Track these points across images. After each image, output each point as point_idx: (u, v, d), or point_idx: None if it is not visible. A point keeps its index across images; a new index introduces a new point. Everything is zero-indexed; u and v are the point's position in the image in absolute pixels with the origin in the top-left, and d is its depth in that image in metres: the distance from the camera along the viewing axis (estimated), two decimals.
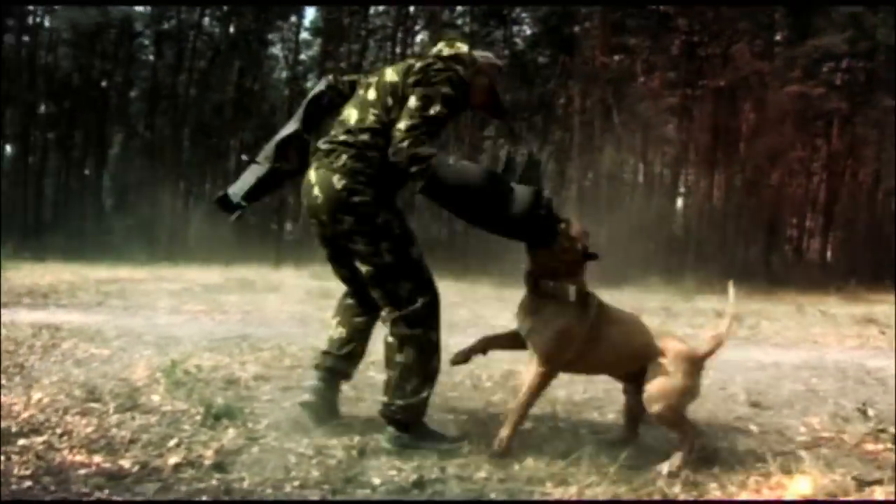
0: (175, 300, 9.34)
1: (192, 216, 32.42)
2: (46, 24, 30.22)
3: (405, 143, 3.00)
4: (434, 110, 3.08)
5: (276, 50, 36.64)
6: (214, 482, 2.48)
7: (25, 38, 30.94)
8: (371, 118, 3.21)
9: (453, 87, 3.17)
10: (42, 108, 33.51)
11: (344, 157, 3.15)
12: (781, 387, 4.92)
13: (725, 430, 3.64)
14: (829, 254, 31.64)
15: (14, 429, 2.91)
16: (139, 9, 30.65)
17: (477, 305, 10.42)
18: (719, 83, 29.23)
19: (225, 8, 31.75)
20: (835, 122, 28.66)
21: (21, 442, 2.74)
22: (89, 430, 2.96)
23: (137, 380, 3.81)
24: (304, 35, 35.87)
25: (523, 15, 34.13)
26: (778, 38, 30.39)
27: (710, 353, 3.19)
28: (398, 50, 31.88)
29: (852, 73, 28.68)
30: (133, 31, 30.63)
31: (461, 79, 3.24)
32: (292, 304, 9.29)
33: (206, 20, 32.37)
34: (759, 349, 7.20)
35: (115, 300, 9.12)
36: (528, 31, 34.74)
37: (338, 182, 3.12)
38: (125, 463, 2.58)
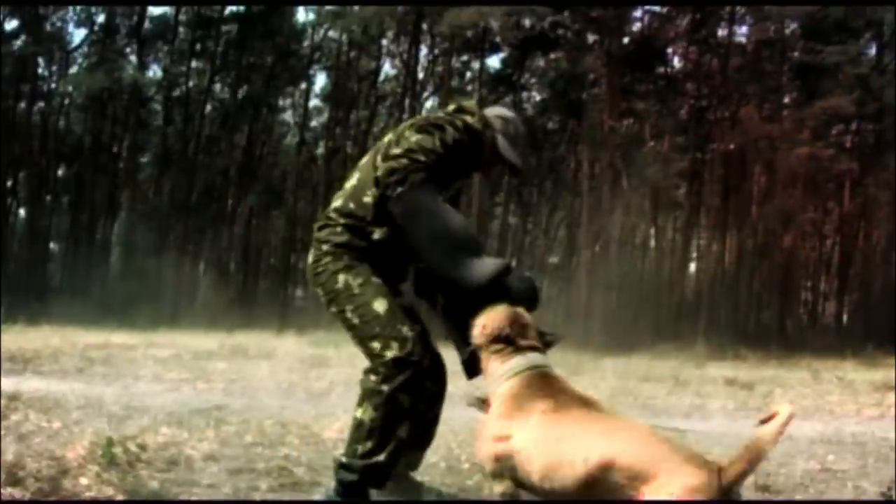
0: (160, 367, 9.01)
1: (200, 281, 32.30)
2: (60, 88, 30.51)
3: (385, 165, 2.81)
4: (428, 146, 2.82)
5: (287, 116, 37.00)
6: None
7: (41, 104, 31.34)
8: (352, 181, 3.06)
9: (457, 132, 2.94)
10: (53, 172, 33.81)
11: (316, 230, 3.06)
12: (794, 465, 4.47)
13: None
14: (844, 317, 31.13)
15: None
16: (150, 74, 31.00)
17: None
18: (729, 146, 29.18)
19: (234, 74, 32.08)
20: (846, 184, 28.39)
21: None
22: None
23: (72, 459, 3.43)
24: (315, 101, 36.24)
25: (532, 80, 34.36)
26: (786, 100, 30.39)
27: (741, 476, 2.11)
28: (406, 116, 31.98)
29: (861, 135, 28.55)
30: (143, 97, 30.92)
31: (468, 127, 3.01)
32: (282, 373, 8.92)
33: (217, 86, 32.70)
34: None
35: (98, 367, 8.80)
36: (538, 97, 34.92)
37: (309, 257, 3.04)
38: None
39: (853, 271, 30.24)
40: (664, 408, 7.62)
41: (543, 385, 2.42)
